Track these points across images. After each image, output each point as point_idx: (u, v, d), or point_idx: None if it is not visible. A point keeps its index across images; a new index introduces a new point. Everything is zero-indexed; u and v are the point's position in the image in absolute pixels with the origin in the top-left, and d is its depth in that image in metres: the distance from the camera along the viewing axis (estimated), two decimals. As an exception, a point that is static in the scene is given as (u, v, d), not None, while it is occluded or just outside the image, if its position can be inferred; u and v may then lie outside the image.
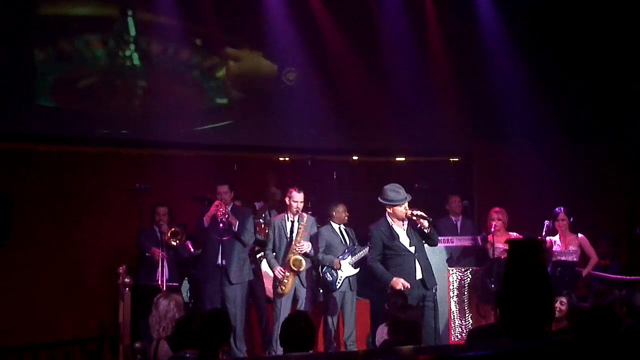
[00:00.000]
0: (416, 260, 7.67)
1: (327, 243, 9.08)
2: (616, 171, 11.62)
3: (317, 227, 9.42)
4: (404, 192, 7.78)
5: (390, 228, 7.76)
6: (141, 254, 9.05)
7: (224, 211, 8.66)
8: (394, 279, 7.54)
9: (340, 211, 9.23)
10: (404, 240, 7.74)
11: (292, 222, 8.72)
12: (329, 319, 9.11)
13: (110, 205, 10.00)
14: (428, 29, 11.55)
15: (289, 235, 8.69)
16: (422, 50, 11.53)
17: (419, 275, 7.65)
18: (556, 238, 9.31)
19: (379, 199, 7.83)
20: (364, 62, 11.37)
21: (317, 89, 11.21)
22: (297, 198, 8.65)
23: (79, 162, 10.12)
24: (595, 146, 11.43)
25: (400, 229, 7.75)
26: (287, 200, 8.79)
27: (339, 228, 9.22)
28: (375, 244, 7.78)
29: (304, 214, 8.74)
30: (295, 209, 8.65)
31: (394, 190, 7.76)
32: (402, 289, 7.48)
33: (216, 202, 8.70)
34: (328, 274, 9.01)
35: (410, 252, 7.68)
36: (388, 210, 7.80)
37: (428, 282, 7.67)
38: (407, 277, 7.58)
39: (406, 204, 7.75)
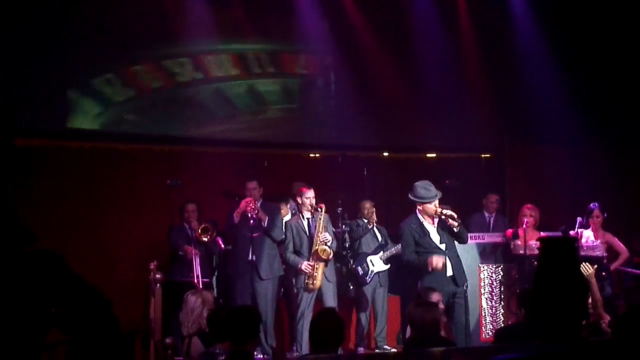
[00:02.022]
0: (447, 258, 7.60)
1: (357, 238, 9.12)
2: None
3: (348, 223, 9.46)
4: (435, 189, 7.74)
5: (421, 225, 7.72)
6: (173, 250, 9.07)
7: (253, 207, 8.67)
8: (429, 258, 7.50)
9: (366, 207, 9.25)
10: (435, 237, 7.70)
11: (308, 219, 8.76)
12: (361, 314, 9.10)
13: (141, 201, 10.02)
14: (460, 25, 11.45)
15: (307, 233, 8.70)
16: (454, 46, 11.44)
17: (449, 273, 7.63)
18: (589, 233, 9.19)
19: (410, 195, 7.80)
20: (395, 58, 11.32)
21: (347, 85, 11.19)
22: (309, 195, 8.70)
23: (111, 158, 10.15)
24: (629, 143, 11.23)
25: (431, 226, 7.71)
26: (299, 199, 8.80)
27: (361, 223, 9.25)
28: (407, 241, 7.76)
29: (319, 209, 8.72)
30: (309, 206, 8.67)
31: (425, 188, 7.73)
32: (440, 265, 7.47)
33: (247, 199, 8.71)
34: (359, 267, 9.03)
35: (440, 249, 7.63)
36: (418, 207, 7.77)
37: (459, 279, 7.63)
38: (438, 274, 7.54)
39: (436, 202, 7.70)
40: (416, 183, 7.81)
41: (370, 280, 9.03)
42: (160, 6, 10.42)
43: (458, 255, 7.79)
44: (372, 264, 9.04)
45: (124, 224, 9.94)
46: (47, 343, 2.31)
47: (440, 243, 7.65)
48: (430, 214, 7.71)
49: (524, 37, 11.11)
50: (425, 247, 7.66)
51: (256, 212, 8.72)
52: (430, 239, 7.68)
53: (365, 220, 9.29)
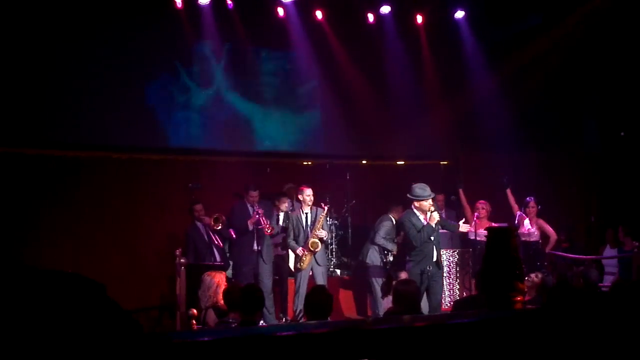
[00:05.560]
0: (434, 247, 7.69)
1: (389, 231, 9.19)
2: (573, 173, 11.56)
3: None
4: (430, 190, 7.77)
5: (418, 220, 7.73)
6: (192, 244, 9.09)
7: (261, 214, 8.88)
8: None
9: (399, 209, 9.14)
10: None
11: (307, 213, 8.68)
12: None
13: (169, 200, 10.08)
14: (422, 59, 11.54)
15: (304, 225, 8.65)
16: (419, 76, 11.53)
17: (434, 258, 7.69)
18: (527, 221, 9.29)
19: (408, 195, 7.82)
20: (372, 85, 11.40)
21: (335, 107, 11.26)
22: (308, 193, 8.66)
23: (146, 166, 10.23)
24: (557, 153, 11.40)
25: (424, 221, 7.72)
26: (300, 196, 8.77)
27: (394, 222, 9.20)
28: (409, 226, 7.75)
29: (323, 208, 8.68)
30: (308, 202, 8.64)
31: (421, 188, 7.77)
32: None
33: (258, 211, 8.89)
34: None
35: (430, 240, 7.68)
36: (415, 204, 7.76)
37: (440, 263, 7.74)
38: (428, 260, 7.63)
39: (431, 200, 7.73)
40: (414, 184, 7.85)
41: None
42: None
43: (440, 245, 7.86)
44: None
45: (156, 218, 10.04)
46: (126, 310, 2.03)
47: (430, 236, 7.70)
48: (425, 210, 7.72)
49: (474, 69, 11.25)
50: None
51: (263, 218, 8.88)
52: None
53: (395, 219, 9.20)
